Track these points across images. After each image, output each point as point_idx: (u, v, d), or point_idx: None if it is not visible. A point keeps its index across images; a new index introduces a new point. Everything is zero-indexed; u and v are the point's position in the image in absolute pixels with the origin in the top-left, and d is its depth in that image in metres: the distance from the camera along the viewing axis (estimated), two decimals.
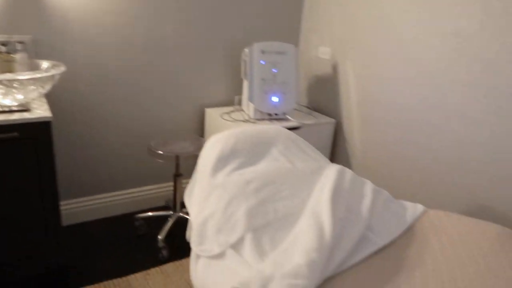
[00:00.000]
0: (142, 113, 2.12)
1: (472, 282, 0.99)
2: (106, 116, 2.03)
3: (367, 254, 1.12)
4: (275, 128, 1.58)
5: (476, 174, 1.62)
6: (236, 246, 1.11)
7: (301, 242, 1.05)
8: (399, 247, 1.16)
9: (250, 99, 2.09)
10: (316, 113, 2.34)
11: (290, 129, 2.08)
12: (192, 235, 1.20)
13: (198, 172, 1.41)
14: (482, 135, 1.57)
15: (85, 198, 2.12)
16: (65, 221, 2.09)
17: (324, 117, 2.28)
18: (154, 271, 1.84)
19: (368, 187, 1.37)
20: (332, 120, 2.24)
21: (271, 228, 1.16)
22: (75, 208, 2.10)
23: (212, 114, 2.19)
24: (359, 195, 1.32)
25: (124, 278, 1.78)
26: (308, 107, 2.43)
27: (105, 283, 1.74)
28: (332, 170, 1.38)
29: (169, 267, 1.86)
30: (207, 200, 1.27)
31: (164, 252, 1.89)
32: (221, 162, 1.37)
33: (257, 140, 1.48)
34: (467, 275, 1.01)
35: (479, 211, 1.63)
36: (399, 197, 1.96)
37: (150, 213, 2.10)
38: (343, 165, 2.29)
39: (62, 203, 2.06)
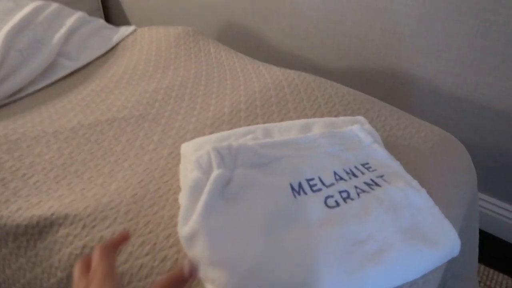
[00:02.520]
0: None
1: (140, 78, 1.09)
2: None
3: (56, 78, 1.14)
4: None
5: None
6: None
7: None
8: (94, 66, 1.20)
9: None
10: None
11: None
12: None
13: None
14: None
15: None
16: None
17: None
18: None
19: (73, 18, 1.32)
20: None
21: None
22: None
23: None
24: (58, 26, 1.27)
25: None
26: None
27: None
28: (30, 5, 1.28)
29: None
30: None
31: None
32: None
33: None
34: (136, 70, 1.12)
35: (218, 26, 1.75)
36: None
37: None
38: (118, 12, 2.19)
39: None
